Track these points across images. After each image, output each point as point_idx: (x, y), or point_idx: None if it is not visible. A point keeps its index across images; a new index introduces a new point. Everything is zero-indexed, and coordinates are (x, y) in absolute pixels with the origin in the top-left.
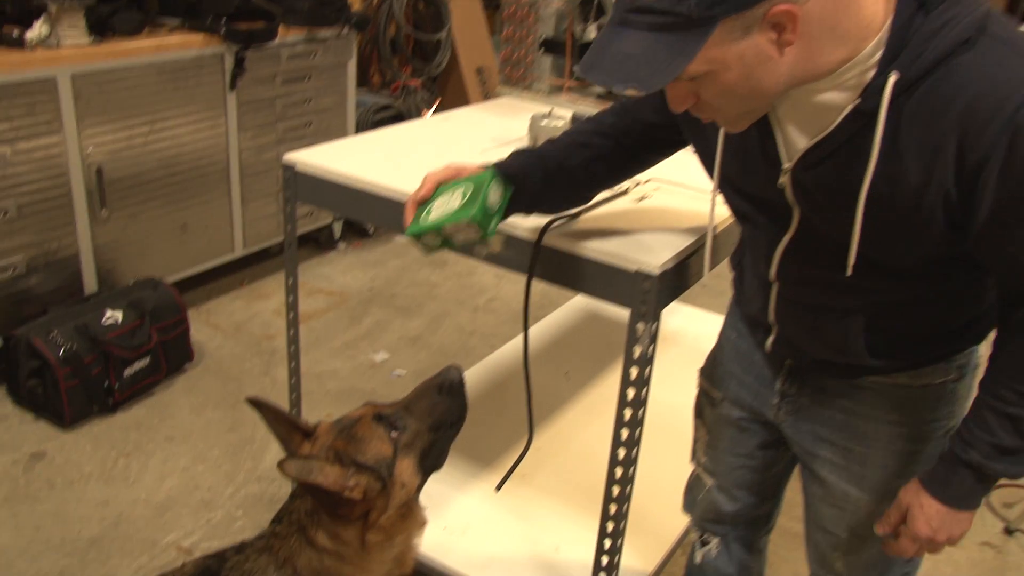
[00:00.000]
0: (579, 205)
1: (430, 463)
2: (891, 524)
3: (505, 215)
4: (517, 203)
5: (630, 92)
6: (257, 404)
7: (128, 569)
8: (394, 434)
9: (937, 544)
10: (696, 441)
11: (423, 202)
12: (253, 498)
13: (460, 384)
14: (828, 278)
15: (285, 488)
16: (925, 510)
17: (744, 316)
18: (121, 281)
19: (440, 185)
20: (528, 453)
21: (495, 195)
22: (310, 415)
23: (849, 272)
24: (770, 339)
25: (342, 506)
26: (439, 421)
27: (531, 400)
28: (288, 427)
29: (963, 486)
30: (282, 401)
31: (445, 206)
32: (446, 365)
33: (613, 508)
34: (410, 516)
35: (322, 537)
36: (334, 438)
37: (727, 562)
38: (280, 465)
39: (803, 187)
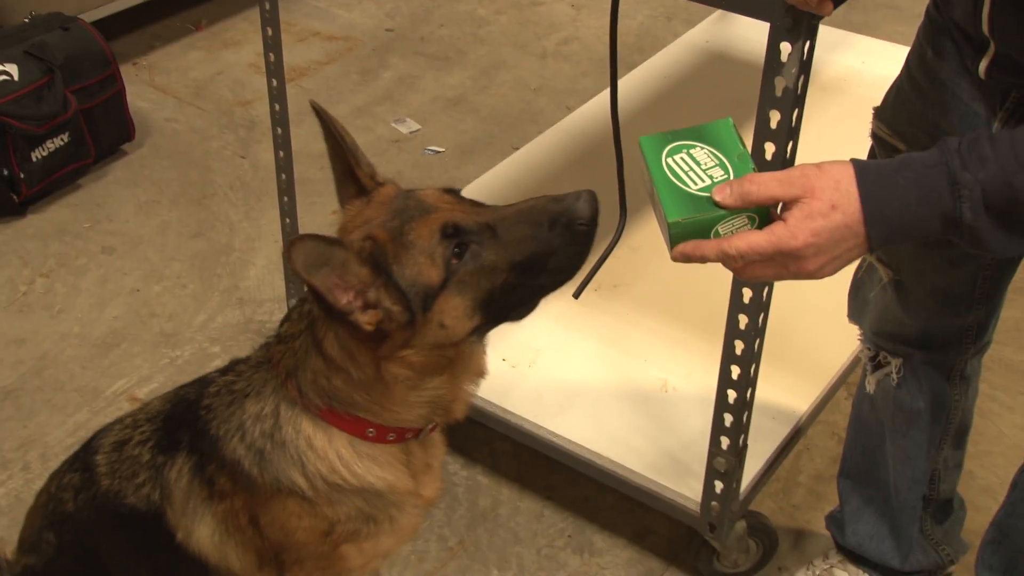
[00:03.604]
0: None
1: (498, 309)
2: None
3: None
4: None
5: None
6: (320, 113)
7: (61, 428)
8: (455, 261)
9: None
10: None
11: None
12: (234, 328)
13: (588, 226)
14: None
15: (279, 312)
16: None
17: (946, 27)
18: (9, 19)
19: None
20: (621, 249)
21: None
22: (308, 213)
23: None
24: (984, 60)
25: (347, 325)
26: (530, 263)
27: (623, 175)
28: (346, 167)
29: None
30: (268, 194)
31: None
32: (580, 189)
33: (743, 320)
34: (458, 361)
35: (332, 343)
36: (385, 221)
37: (914, 392)
38: (286, 249)
39: None
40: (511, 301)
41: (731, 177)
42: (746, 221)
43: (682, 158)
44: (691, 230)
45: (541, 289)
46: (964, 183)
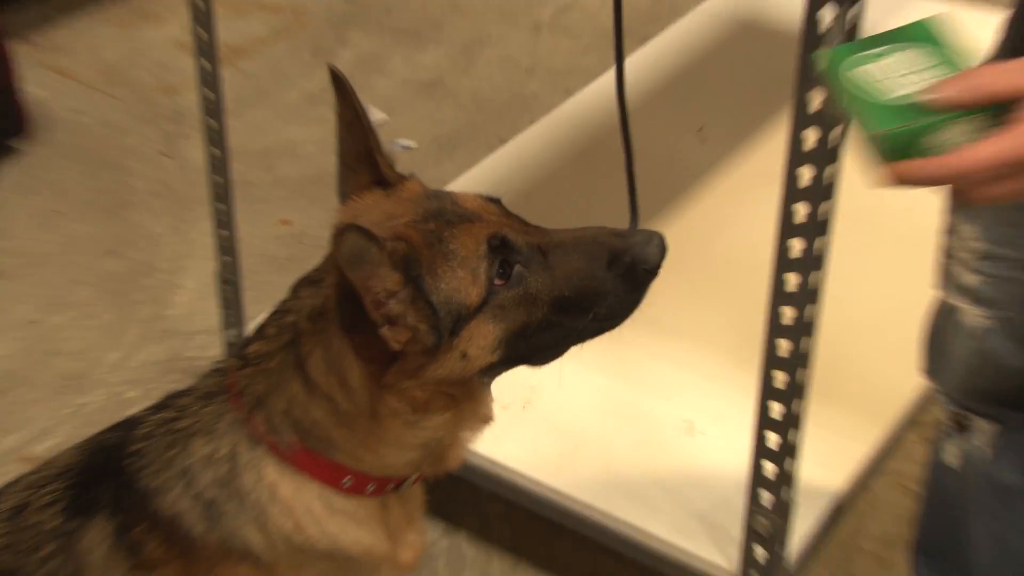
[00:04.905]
0: None
1: (524, 348)
2: None
3: None
4: None
5: None
6: (338, 77)
7: None
8: (499, 280)
9: None
10: (952, 245)
11: None
12: (156, 367)
13: (650, 271)
14: None
15: (214, 347)
16: None
17: None
18: None
19: None
20: None
21: None
22: (250, 223)
23: None
24: None
25: (365, 333)
26: (577, 301)
27: (633, 171)
28: (360, 150)
29: None
30: (199, 201)
31: None
32: (647, 229)
33: (784, 346)
34: (465, 402)
35: (318, 363)
36: (416, 221)
37: (1009, 467)
38: (339, 232)
39: None
40: (541, 341)
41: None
42: (968, 127)
43: (879, 66)
44: (901, 143)
45: (578, 335)
46: None
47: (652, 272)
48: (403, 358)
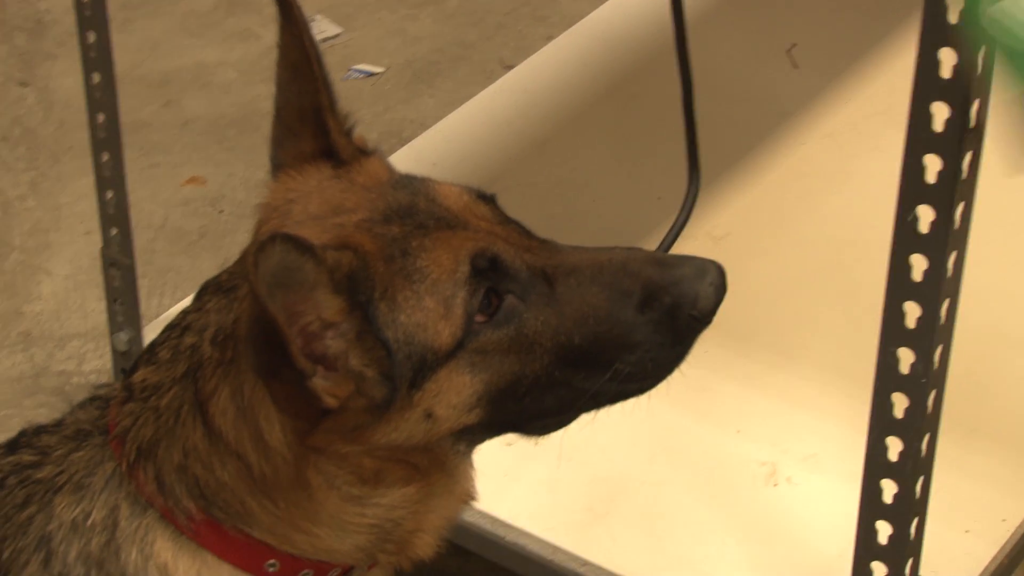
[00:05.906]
0: None
1: (515, 412)
2: None
3: None
4: None
5: None
6: (285, 1)
7: None
8: (480, 318)
9: None
10: None
11: None
12: (14, 384)
13: (699, 319)
14: None
15: (95, 355)
16: None
17: None
18: None
19: None
20: (697, 237)
21: None
22: (146, 182)
23: None
24: None
25: (288, 382)
26: (591, 353)
27: (693, 114)
28: (306, 106)
29: None
30: (71, 149)
31: None
32: (698, 258)
33: (906, 359)
34: (432, 472)
35: (224, 409)
36: (374, 221)
37: None
38: (255, 254)
39: None
40: (538, 404)
41: None
42: None
43: None
44: None
45: (591, 399)
46: None
47: (702, 320)
48: (339, 413)
